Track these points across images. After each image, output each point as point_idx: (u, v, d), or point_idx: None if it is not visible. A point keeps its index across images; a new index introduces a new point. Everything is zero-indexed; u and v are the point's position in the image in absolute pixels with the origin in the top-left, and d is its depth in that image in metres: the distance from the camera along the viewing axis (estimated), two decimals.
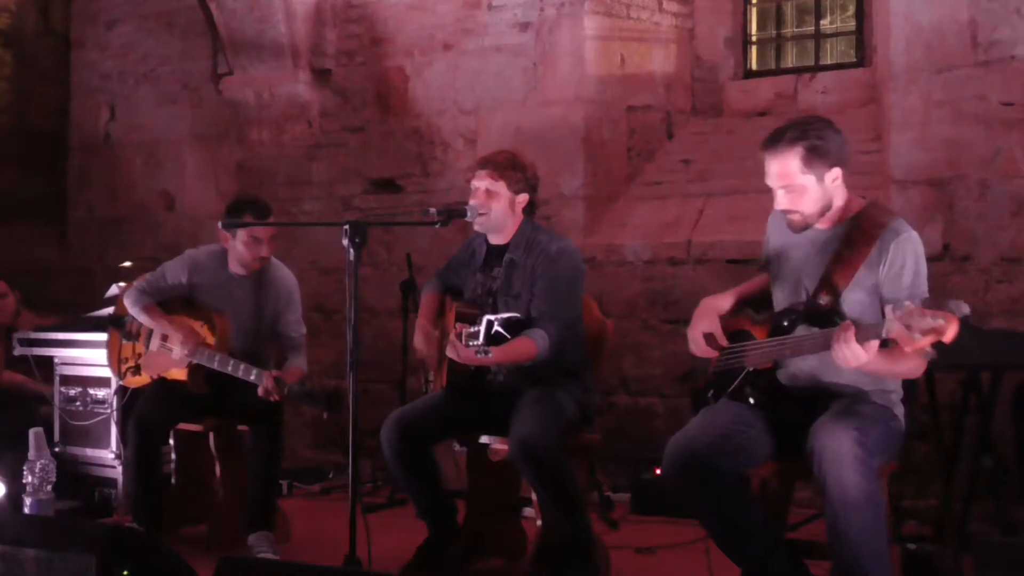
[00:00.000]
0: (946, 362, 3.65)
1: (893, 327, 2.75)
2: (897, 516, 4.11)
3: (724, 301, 3.38)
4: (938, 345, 2.71)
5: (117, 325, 4.72)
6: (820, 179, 3.11)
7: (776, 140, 3.13)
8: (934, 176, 4.88)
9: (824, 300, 3.11)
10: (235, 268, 4.48)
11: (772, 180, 3.15)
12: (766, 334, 3.22)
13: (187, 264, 4.52)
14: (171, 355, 4.44)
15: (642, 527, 4.72)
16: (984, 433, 4.23)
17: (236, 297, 4.46)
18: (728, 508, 3.09)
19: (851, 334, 2.84)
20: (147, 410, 4.38)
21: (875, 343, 2.83)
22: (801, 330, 3.15)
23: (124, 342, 4.67)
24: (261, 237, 4.37)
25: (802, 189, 3.11)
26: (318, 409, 4.02)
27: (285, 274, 4.57)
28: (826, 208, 3.16)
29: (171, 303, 4.55)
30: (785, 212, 3.18)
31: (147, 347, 4.58)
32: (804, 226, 3.18)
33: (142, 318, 4.53)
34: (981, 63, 4.78)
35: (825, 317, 3.10)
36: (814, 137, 3.10)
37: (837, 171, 3.13)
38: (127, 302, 4.58)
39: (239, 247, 4.40)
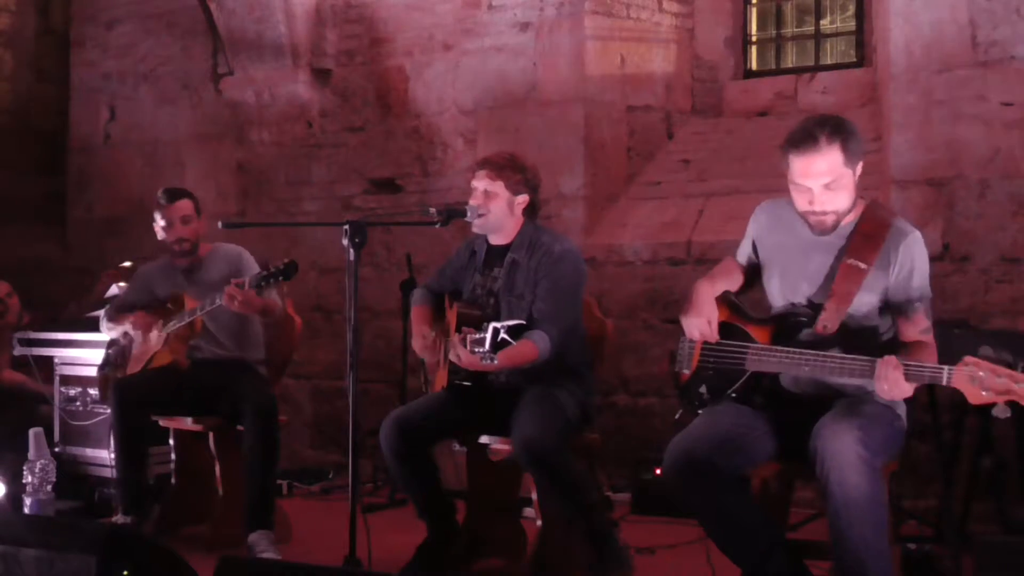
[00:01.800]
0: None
1: (955, 378, 2.75)
2: (897, 516, 4.11)
3: (718, 287, 3.33)
4: (1013, 404, 2.71)
5: (104, 368, 4.85)
6: (854, 174, 3.09)
7: (814, 137, 3.03)
8: (934, 176, 4.88)
9: (839, 313, 3.07)
10: (178, 262, 4.69)
11: (812, 179, 3.04)
12: (767, 336, 3.18)
13: (141, 278, 4.85)
14: (149, 343, 4.56)
15: (642, 527, 4.72)
16: (984, 433, 4.23)
17: (193, 285, 4.61)
18: (728, 509, 3.08)
19: (899, 373, 2.83)
20: (128, 380, 4.56)
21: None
22: (808, 338, 3.10)
23: (108, 371, 4.79)
24: (172, 219, 4.60)
25: (842, 185, 3.05)
26: (279, 282, 4.10)
27: (227, 248, 4.76)
28: (853, 205, 3.13)
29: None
30: (816, 214, 3.09)
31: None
32: (835, 226, 3.11)
33: (109, 329, 4.78)
34: (981, 63, 4.78)
35: (842, 333, 3.07)
36: (847, 131, 3.06)
37: (861, 165, 3.11)
38: (102, 328, 4.83)
39: (163, 237, 4.66)
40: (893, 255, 3.08)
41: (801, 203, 3.12)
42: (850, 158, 3.05)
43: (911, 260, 3.08)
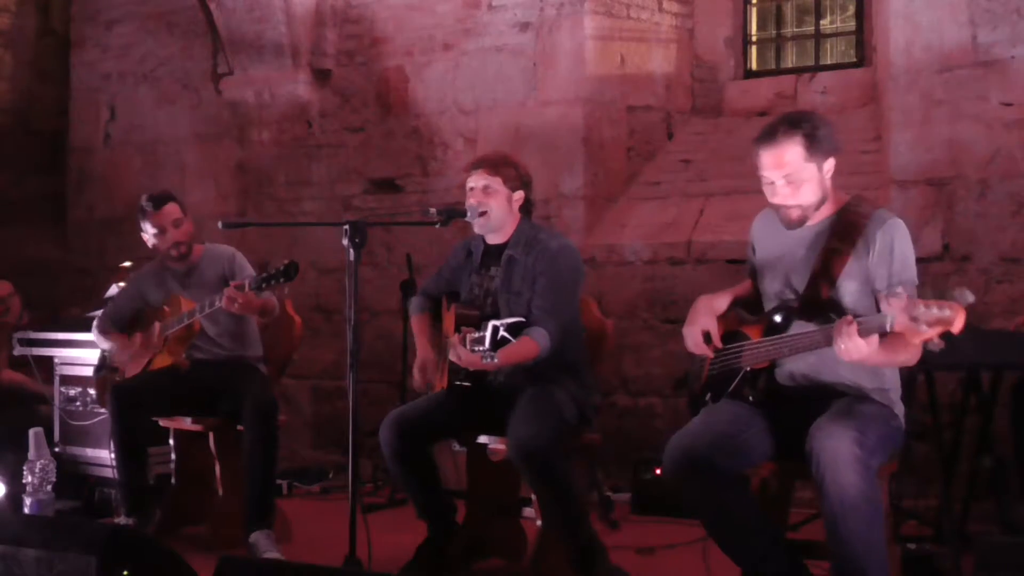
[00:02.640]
0: (946, 362, 3.68)
1: (897, 320, 2.75)
2: (897, 516, 4.11)
3: (720, 301, 3.37)
4: (946, 335, 2.71)
5: (100, 371, 4.84)
6: (819, 168, 3.12)
7: (773, 132, 3.12)
8: (934, 176, 4.88)
9: (818, 293, 3.11)
10: (173, 265, 4.64)
11: (772, 172, 3.12)
12: (760, 333, 3.22)
13: (134, 283, 4.81)
14: (150, 344, 4.55)
15: (642, 527, 4.72)
16: (984, 433, 4.23)
17: (187, 288, 4.58)
18: (728, 508, 3.08)
19: (853, 328, 2.83)
20: (126, 382, 4.52)
21: (876, 336, 2.84)
22: (796, 327, 3.14)
23: (105, 374, 4.79)
24: (163, 225, 4.53)
25: (803, 179, 3.10)
26: (280, 285, 4.04)
27: (220, 249, 4.71)
28: (823, 200, 3.16)
29: (136, 323, 4.71)
30: (783, 207, 3.15)
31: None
32: (802, 220, 3.16)
33: (102, 343, 4.75)
34: (981, 63, 4.78)
35: (820, 311, 3.10)
36: (809, 126, 3.12)
37: (832, 161, 3.15)
38: (93, 335, 4.79)
39: (156, 244, 4.59)
40: (872, 240, 3.10)
41: (768, 195, 3.19)
42: (813, 153, 3.10)
43: (890, 243, 3.09)
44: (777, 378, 3.21)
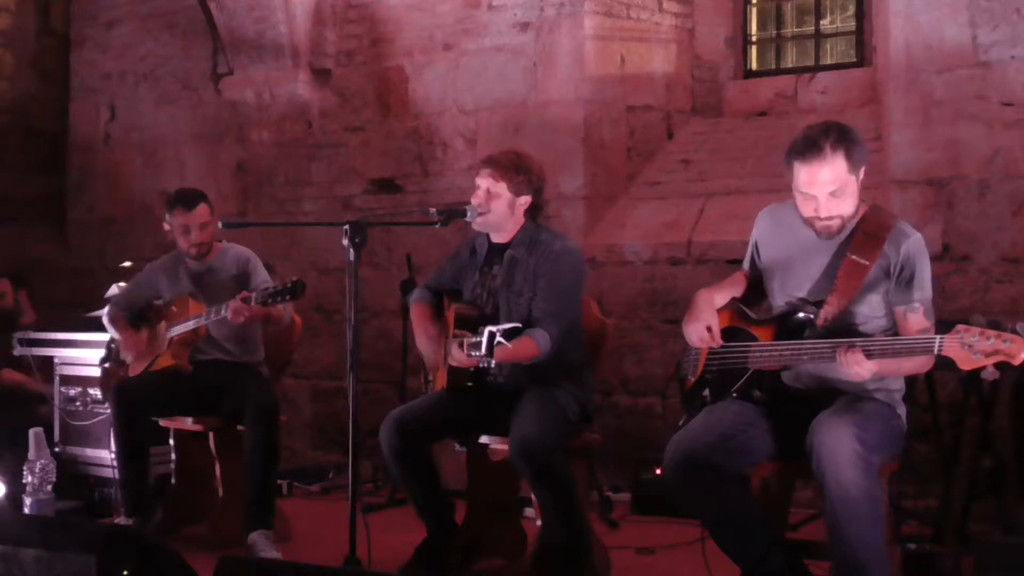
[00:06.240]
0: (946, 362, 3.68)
1: (947, 346, 2.78)
2: (897, 516, 4.11)
3: (719, 296, 3.37)
4: (1002, 365, 2.75)
5: (107, 361, 4.84)
6: (858, 180, 3.11)
7: (818, 146, 3.05)
8: (934, 176, 4.88)
9: (839, 305, 3.10)
10: (188, 262, 4.66)
11: (818, 187, 3.07)
12: (770, 335, 3.20)
13: (149, 274, 4.79)
14: (155, 344, 4.56)
15: (642, 527, 4.73)
16: (984, 433, 4.23)
17: (199, 285, 4.59)
18: (728, 508, 3.09)
19: (859, 354, 2.89)
20: (128, 382, 4.52)
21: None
22: (811, 334, 3.12)
23: (110, 366, 4.80)
24: (189, 225, 4.54)
25: (848, 192, 3.08)
26: (286, 301, 4.07)
27: (238, 249, 4.71)
28: (857, 209, 3.15)
29: (145, 315, 4.74)
30: (823, 219, 3.12)
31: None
32: (840, 230, 3.15)
33: (110, 329, 4.76)
34: (981, 63, 4.78)
35: (842, 321, 3.10)
36: (850, 139, 3.08)
37: (863, 170, 3.13)
38: (104, 321, 4.80)
39: (177, 240, 4.62)
40: (894, 255, 3.10)
41: (807, 210, 3.15)
42: (854, 165, 3.08)
43: (912, 261, 3.09)
44: (783, 379, 3.21)
